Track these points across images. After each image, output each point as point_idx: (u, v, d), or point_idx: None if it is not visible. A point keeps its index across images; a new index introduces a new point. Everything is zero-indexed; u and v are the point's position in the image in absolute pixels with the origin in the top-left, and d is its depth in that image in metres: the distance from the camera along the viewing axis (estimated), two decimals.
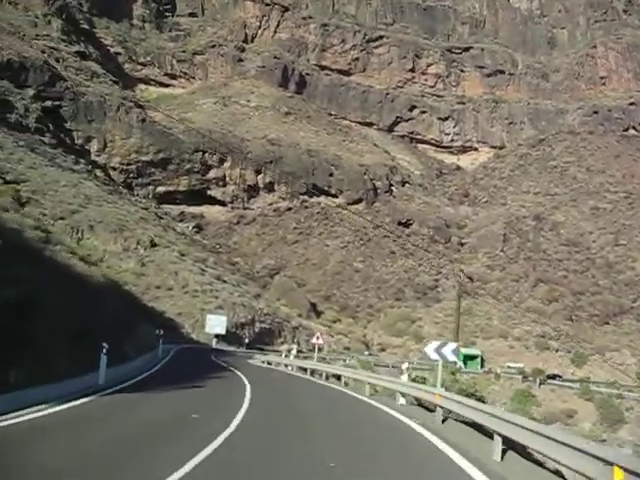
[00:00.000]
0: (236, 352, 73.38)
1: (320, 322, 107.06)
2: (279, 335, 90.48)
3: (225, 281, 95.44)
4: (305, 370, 46.59)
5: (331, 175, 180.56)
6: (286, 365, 51.70)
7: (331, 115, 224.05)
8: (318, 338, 49.69)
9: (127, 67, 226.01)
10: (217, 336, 79.52)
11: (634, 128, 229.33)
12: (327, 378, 42.89)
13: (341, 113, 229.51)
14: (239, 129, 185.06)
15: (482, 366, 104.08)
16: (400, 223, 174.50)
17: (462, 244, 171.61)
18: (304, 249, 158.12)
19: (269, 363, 53.89)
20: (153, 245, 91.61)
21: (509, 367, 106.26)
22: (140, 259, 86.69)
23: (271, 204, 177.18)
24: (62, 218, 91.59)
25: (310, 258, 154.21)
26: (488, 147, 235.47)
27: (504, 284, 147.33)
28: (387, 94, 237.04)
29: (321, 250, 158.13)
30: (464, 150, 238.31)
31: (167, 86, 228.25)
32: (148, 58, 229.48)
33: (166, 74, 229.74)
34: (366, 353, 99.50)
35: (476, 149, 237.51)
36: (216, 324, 77.35)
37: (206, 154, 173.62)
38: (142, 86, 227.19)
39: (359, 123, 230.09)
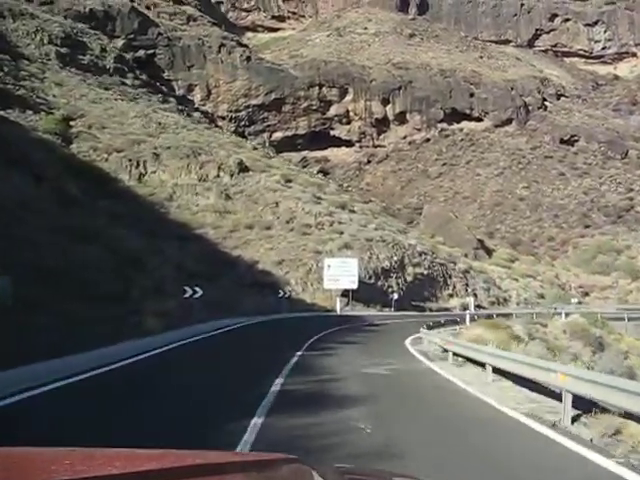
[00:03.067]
0: (376, 322, 41.37)
1: (494, 262, 73.26)
2: (445, 284, 57.38)
3: (354, 210, 62.89)
4: None
5: (472, 95, 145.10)
6: None
7: (461, 37, 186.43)
8: None
9: (231, 16, 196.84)
10: (345, 294, 47.14)
11: None
12: None
13: (472, 33, 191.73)
14: (358, 57, 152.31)
15: None
16: (563, 141, 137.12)
17: None
18: (451, 182, 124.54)
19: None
20: (243, 170, 60.11)
21: None
22: (223, 190, 55.51)
23: (405, 137, 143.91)
24: (120, 150, 61.48)
25: (460, 191, 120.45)
26: None
27: None
28: (522, 5, 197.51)
29: (472, 181, 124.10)
30: (620, 57, 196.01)
31: (276, 30, 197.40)
32: (252, 3, 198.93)
33: (273, 17, 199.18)
34: (574, 301, 65.43)
35: (634, 54, 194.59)
36: (341, 273, 45.43)
37: (324, 88, 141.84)
38: (249, 34, 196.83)
39: (493, 42, 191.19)
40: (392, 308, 48.28)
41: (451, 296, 56.22)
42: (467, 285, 59.05)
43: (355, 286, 46.24)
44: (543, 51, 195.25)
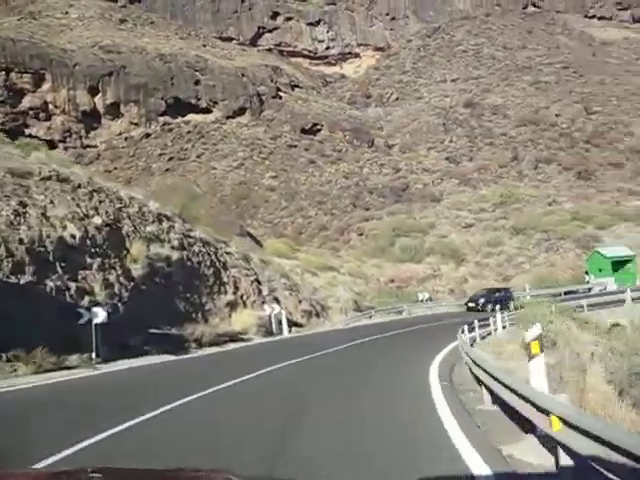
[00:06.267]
0: None
1: (274, 253, 43.74)
2: (219, 283, 26.54)
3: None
4: None
5: (197, 83, 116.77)
6: None
7: (180, 25, 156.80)
8: None
9: None
10: None
11: (534, 4, 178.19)
12: None
13: (191, 27, 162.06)
14: (57, 40, 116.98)
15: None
16: (305, 130, 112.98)
17: (390, 146, 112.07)
18: (181, 177, 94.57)
19: None
20: None
21: None
22: None
23: (120, 133, 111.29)
24: None
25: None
26: (371, 50, 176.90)
27: (491, 169, 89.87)
28: (243, 1, 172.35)
29: (208, 175, 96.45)
30: (344, 58, 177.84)
31: None
32: None
33: None
34: (424, 297, 40.57)
35: (357, 54, 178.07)
36: None
37: (12, 74, 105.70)
38: None
39: (216, 38, 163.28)
40: (94, 358, 16.42)
41: (233, 307, 26.08)
42: (259, 283, 29.40)
43: None
44: (268, 50, 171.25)
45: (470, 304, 45.60)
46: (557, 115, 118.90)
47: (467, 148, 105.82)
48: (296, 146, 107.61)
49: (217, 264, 27.36)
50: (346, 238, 70.28)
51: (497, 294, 45.61)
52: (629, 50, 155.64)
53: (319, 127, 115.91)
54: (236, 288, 27.58)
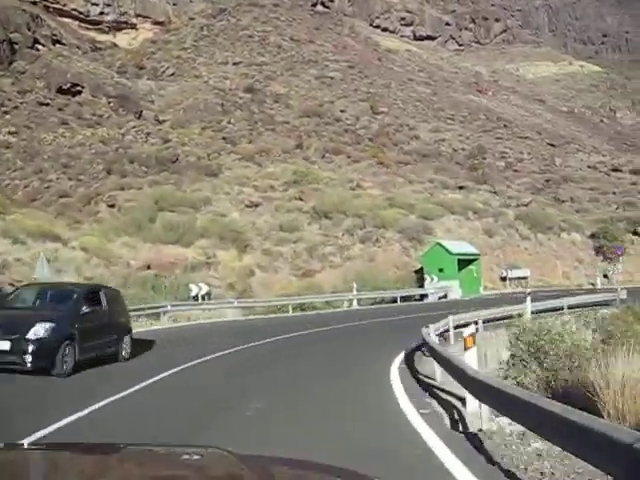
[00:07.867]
0: None
1: None
2: None
3: None
4: None
5: None
6: None
7: None
8: None
9: None
10: None
11: (322, 4, 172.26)
12: None
13: None
14: None
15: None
16: (62, 90, 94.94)
17: (160, 121, 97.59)
18: None
19: None
20: None
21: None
22: None
23: None
24: None
25: None
26: (150, 23, 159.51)
27: (274, 153, 78.65)
28: None
29: None
30: (118, 27, 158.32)
31: None
32: None
33: None
34: (200, 290, 30.47)
35: (134, 26, 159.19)
36: None
37: None
38: None
39: None
40: None
41: None
42: None
43: None
44: (32, 3, 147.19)
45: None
46: (342, 111, 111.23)
47: (247, 131, 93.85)
48: (49, 104, 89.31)
49: None
50: (93, 209, 54.54)
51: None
52: (411, 61, 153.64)
53: (80, 89, 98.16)
54: None
